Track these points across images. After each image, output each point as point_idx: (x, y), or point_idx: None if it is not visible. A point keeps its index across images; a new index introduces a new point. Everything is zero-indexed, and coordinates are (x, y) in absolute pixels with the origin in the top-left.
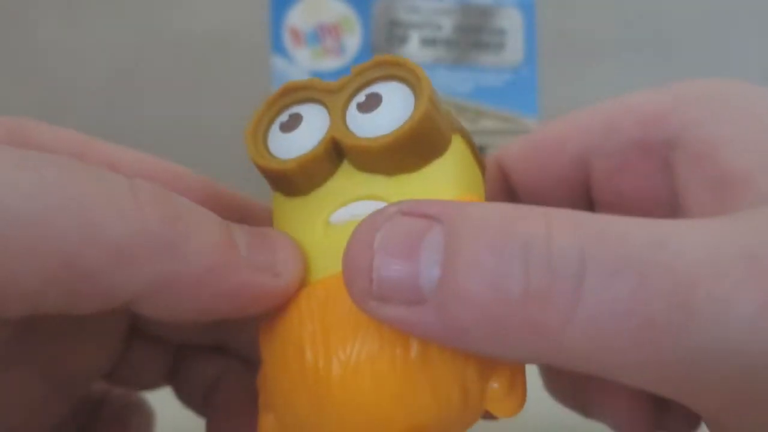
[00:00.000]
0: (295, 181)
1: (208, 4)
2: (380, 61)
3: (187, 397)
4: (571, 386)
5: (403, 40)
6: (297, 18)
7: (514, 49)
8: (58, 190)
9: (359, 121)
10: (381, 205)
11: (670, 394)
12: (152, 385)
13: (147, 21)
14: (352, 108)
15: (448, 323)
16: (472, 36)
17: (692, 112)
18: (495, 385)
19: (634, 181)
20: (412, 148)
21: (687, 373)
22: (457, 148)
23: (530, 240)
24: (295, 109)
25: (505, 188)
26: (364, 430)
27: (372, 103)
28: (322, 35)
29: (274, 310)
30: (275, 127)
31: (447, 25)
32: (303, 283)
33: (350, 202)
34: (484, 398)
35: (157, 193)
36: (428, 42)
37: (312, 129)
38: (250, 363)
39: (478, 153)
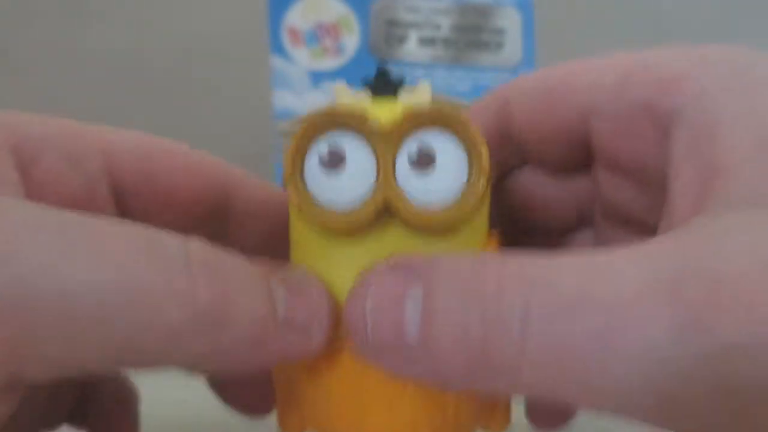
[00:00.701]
0: (338, 232)
1: (206, 4)
2: (437, 114)
3: None
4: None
5: (401, 39)
6: (296, 18)
7: (512, 49)
8: (121, 280)
9: (412, 182)
10: None
11: (621, 415)
12: None
13: (146, 21)
14: (403, 160)
15: (433, 371)
16: (471, 35)
17: (706, 81)
18: (496, 416)
19: (635, 144)
20: (463, 221)
21: (624, 400)
22: (487, 197)
23: (485, 296)
24: (335, 140)
25: (504, 125)
26: None
27: (425, 161)
28: (320, 35)
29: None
30: (313, 160)
31: (445, 25)
32: (336, 335)
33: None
34: (487, 425)
35: (209, 261)
36: (427, 41)
37: (358, 174)
38: None
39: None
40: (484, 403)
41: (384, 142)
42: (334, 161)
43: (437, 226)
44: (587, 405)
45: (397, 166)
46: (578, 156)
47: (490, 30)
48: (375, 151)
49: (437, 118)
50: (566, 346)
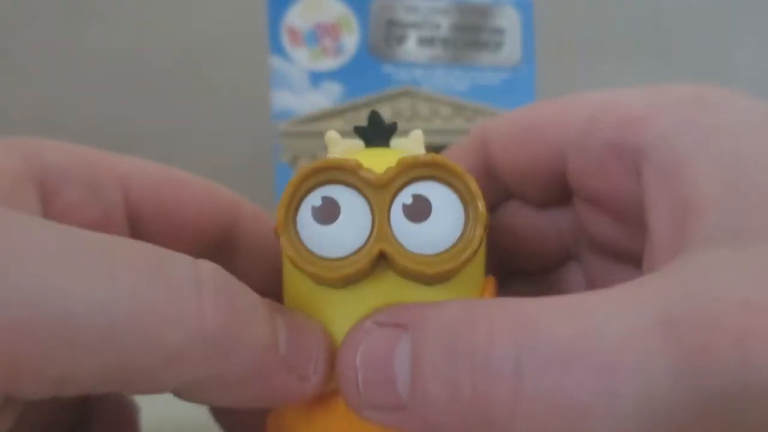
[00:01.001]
0: (332, 283)
1: (206, 4)
2: (433, 163)
3: None
4: None
5: (401, 39)
6: (295, 18)
7: (512, 48)
8: (129, 301)
9: (408, 231)
10: None
11: None
12: None
13: (146, 21)
14: (397, 209)
15: (425, 425)
16: (470, 35)
17: (670, 121)
18: None
19: (607, 182)
20: (459, 270)
21: None
22: (484, 247)
23: (474, 348)
24: (328, 191)
25: (485, 163)
26: None
27: (421, 211)
28: (320, 35)
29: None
30: (306, 211)
31: (445, 25)
32: (330, 382)
33: (388, 305)
34: None
35: (219, 286)
36: (426, 41)
37: (353, 225)
38: None
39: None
40: None
41: (379, 193)
42: (328, 214)
43: (433, 277)
44: None
45: (392, 215)
46: (557, 191)
47: (490, 29)
48: (369, 202)
49: (433, 168)
50: (562, 396)
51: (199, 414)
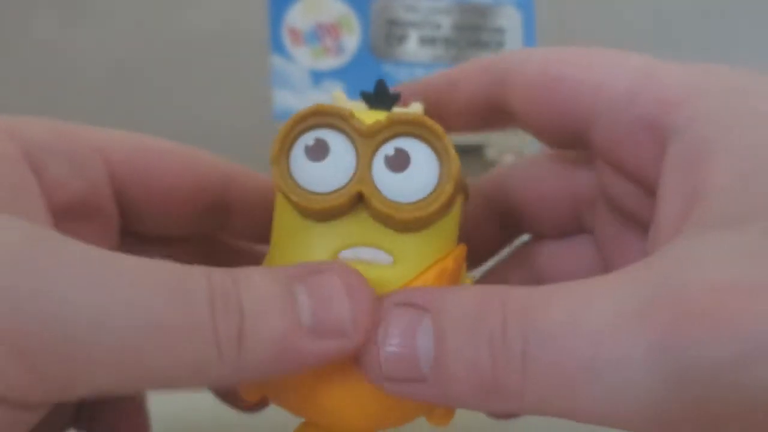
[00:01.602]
0: (312, 215)
1: (207, 3)
2: (418, 121)
3: None
4: None
5: (401, 39)
6: (296, 17)
7: (513, 48)
8: (151, 322)
9: (386, 179)
10: (386, 257)
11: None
12: None
13: (146, 21)
14: (380, 159)
15: (445, 396)
16: (471, 35)
17: (705, 106)
18: (440, 410)
19: (637, 155)
20: (428, 221)
21: (616, 422)
22: (457, 209)
23: (492, 331)
24: (321, 134)
25: (495, 94)
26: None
27: (400, 162)
28: (321, 34)
29: None
30: (299, 149)
31: (446, 24)
32: None
33: (360, 245)
34: (430, 416)
35: (229, 291)
36: (427, 41)
37: (339, 166)
38: None
39: (467, 196)
40: None
41: (365, 141)
42: (319, 152)
43: (401, 223)
44: (586, 422)
45: (374, 163)
46: (574, 145)
47: (491, 29)
48: (356, 148)
49: (416, 126)
50: (556, 369)
51: (207, 414)
